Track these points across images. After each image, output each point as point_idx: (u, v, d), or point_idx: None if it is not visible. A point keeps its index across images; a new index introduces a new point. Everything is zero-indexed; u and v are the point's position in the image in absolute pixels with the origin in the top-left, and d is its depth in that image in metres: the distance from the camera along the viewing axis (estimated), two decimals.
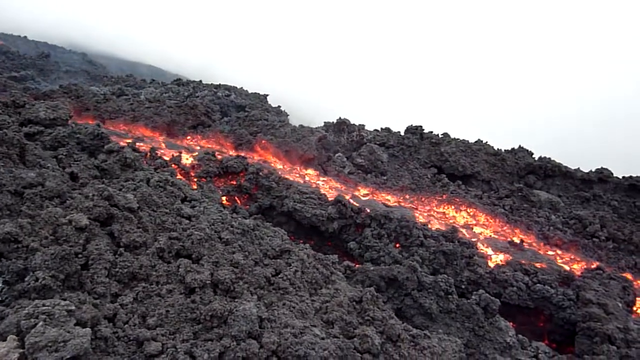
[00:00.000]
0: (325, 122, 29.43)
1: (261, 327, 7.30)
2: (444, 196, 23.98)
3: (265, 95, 35.78)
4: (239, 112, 30.02)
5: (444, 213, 22.61)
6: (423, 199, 23.83)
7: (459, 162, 28.27)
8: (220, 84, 37.59)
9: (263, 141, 24.78)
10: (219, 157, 18.67)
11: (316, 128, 28.25)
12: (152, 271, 7.85)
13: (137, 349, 6.39)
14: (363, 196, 21.73)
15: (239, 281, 8.08)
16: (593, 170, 30.74)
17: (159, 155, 17.37)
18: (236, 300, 7.60)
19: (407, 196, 24.06)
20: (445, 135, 31.24)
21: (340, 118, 28.46)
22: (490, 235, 20.76)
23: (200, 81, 38.02)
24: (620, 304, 12.67)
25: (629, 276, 20.86)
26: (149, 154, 16.82)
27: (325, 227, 15.59)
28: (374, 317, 8.23)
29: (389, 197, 23.01)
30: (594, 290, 12.91)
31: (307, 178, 22.14)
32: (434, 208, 23.01)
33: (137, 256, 7.99)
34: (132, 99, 27.44)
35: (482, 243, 18.78)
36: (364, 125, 29.68)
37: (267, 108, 33.34)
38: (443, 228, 18.29)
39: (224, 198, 16.59)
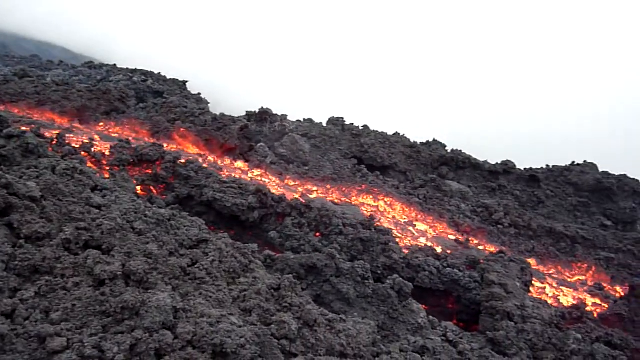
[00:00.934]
0: (247, 112, 29.12)
1: (176, 318, 7.14)
2: (363, 186, 24.71)
3: (185, 82, 34.68)
4: (157, 99, 28.86)
5: (364, 202, 23.29)
6: (344, 189, 24.37)
7: (378, 154, 29.23)
8: (136, 69, 35.89)
9: (182, 129, 24.04)
10: (134, 144, 17.85)
11: (238, 117, 27.85)
12: (57, 264, 7.39)
13: (39, 346, 6.02)
14: (309, 193, 21.76)
15: (153, 272, 7.84)
16: (499, 162, 33.14)
17: (67, 142, 16.28)
18: (149, 291, 7.36)
19: (329, 186, 24.49)
20: (366, 127, 32.14)
21: (262, 107, 28.28)
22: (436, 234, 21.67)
23: (115, 65, 36.04)
24: (518, 284, 13.82)
25: (532, 261, 22.79)
26: (55, 140, 15.72)
27: (246, 217, 15.49)
28: (291, 303, 8.34)
29: (314, 188, 23.28)
30: (496, 272, 13.96)
31: (249, 175, 21.75)
32: (354, 198, 23.62)
33: (39, 248, 7.48)
34: (37, 81, 25.40)
35: (432, 242, 19.52)
36: (286, 116, 29.75)
37: (187, 95, 32.39)
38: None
39: (138, 188, 15.93)
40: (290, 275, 9.39)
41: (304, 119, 31.76)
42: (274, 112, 28.80)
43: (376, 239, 14.88)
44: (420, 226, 22.15)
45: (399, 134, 33.05)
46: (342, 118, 31.62)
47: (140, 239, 8.73)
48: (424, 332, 11.81)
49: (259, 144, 25.56)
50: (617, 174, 32.97)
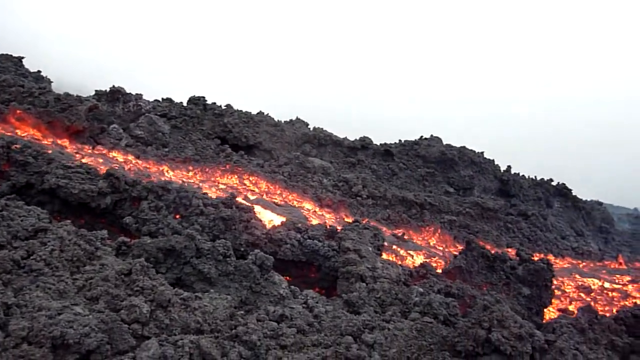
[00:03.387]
0: (96, 91, 26.87)
1: (7, 315, 6.55)
2: (227, 166, 24.53)
3: (21, 58, 30.72)
4: None
5: (226, 183, 23.17)
6: (207, 170, 23.95)
7: (242, 133, 29.16)
8: None
9: (18, 111, 21.41)
10: None
11: (86, 97, 25.58)
12: None
13: None
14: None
15: None
16: (357, 138, 35.19)
17: None
18: None
19: (191, 167, 23.86)
20: (229, 106, 31.73)
21: (114, 86, 26.33)
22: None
23: None
24: (371, 248, 15.00)
25: (388, 227, 24.77)
26: None
27: (97, 203, 14.48)
28: (143, 286, 8.11)
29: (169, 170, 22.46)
30: (351, 239, 14.97)
31: (101, 159, 19.97)
32: (218, 178, 23.37)
33: None
34: None
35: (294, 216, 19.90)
36: (141, 95, 28.07)
37: (24, 73, 28.79)
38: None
39: None
40: (142, 258, 9.10)
41: (163, 99, 30.31)
42: (128, 92, 26.98)
43: (238, 217, 14.97)
44: (286, 201, 22.78)
45: (262, 113, 33.23)
46: (204, 97, 30.79)
47: None
48: (286, 302, 12.28)
49: (111, 126, 23.86)
50: (458, 145, 37.13)
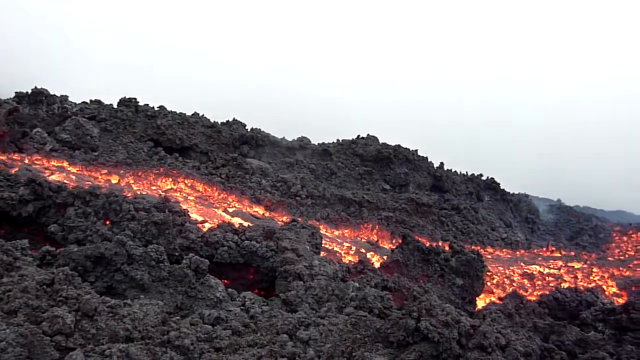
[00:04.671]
0: (16, 93, 25.26)
1: None
2: (161, 169, 23.88)
3: None
4: None
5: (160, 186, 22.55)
6: (140, 174, 23.19)
7: (176, 135, 28.46)
8: None
9: None
10: None
11: (5, 100, 24.03)
12: None
13: None
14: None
15: None
16: (296, 138, 35.34)
17: None
18: None
19: (122, 171, 23.01)
20: (162, 108, 30.86)
21: (36, 87, 24.87)
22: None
23: None
24: (308, 247, 15.16)
25: (327, 226, 25.07)
26: None
27: (18, 212, 13.66)
28: (67, 296, 7.76)
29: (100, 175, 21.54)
30: (288, 239, 15.06)
31: (25, 165, 18.74)
32: (151, 181, 22.70)
33: None
34: None
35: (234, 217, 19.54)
36: (67, 97, 26.71)
37: None
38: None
39: None
40: (67, 267, 8.70)
41: (91, 100, 28.97)
42: (52, 93, 25.56)
43: (171, 221, 14.62)
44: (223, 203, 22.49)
45: (198, 114, 32.58)
46: (135, 99, 29.76)
47: None
48: (224, 305, 12.14)
49: (34, 130, 22.53)
50: (393, 144, 38.07)
